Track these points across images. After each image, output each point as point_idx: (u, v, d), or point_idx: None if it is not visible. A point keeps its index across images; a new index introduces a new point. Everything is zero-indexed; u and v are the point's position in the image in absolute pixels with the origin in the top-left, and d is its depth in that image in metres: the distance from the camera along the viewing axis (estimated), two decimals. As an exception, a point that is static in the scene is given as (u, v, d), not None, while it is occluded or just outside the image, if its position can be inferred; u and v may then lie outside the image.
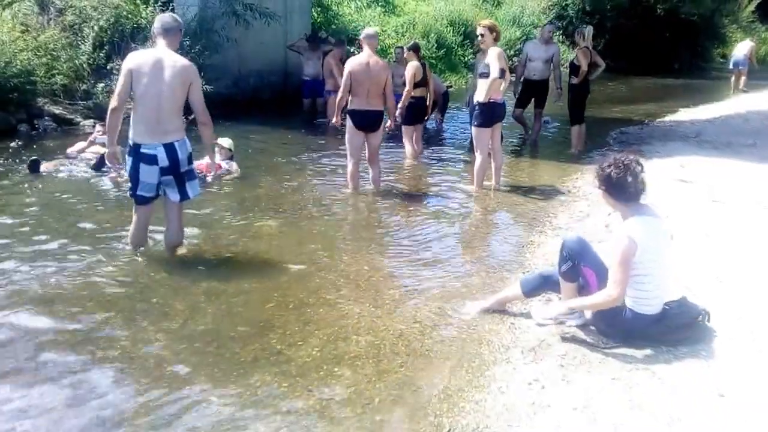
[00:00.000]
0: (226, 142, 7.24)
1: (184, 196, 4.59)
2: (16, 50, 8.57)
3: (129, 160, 4.45)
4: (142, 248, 4.75)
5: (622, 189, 3.42)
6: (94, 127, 8.89)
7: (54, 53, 9.48)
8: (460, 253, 5.19)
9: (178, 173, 4.48)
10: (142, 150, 4.37)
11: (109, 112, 4.40)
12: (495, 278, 4.58)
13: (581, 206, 6.36)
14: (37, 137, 8.55)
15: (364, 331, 3.78)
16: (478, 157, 6.75)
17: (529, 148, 9.52)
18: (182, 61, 4.43)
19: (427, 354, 3.55)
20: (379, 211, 6.20)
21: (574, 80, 8.65)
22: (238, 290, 4.28)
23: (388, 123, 6.68)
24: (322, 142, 9.17)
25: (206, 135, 4.60)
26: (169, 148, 4.38)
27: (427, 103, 8.47)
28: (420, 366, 3.42)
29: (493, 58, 6.37)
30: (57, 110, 9.16)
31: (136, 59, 4.38)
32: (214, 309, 4.00)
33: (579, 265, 3.61)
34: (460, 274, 4.70)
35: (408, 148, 8.23)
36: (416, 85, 7.91)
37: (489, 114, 6.56)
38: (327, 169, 7.68)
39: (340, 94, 6.41)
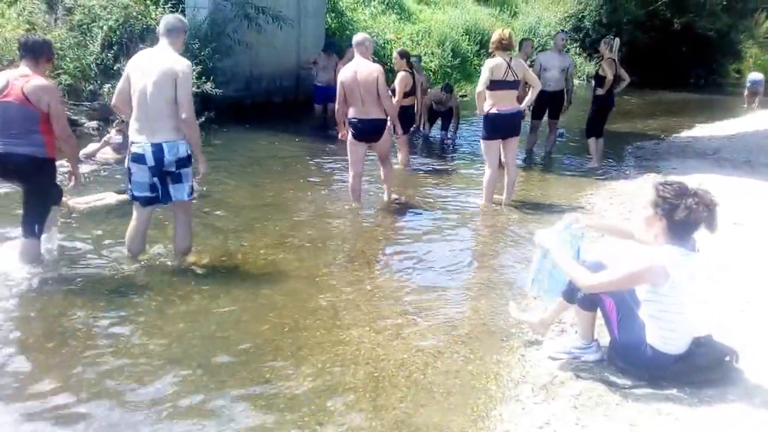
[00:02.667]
0: None
1: (166, 197, 4.44)
2: (19, 49, 8.36)
3: (127, 158, 4.43)
4: (138, 255, 4.59)
5: (689, 230, 3.09)
6: (97, 129, 8.74)
7: (60, 52, 9.25)
8: (467, 274, 4.91)
9: (163, 174, 4.34)
10: (133, 148, 4.32)
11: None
12: (504, 301, 4.29)
13: (597, 225, 6.06)
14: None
15: (363, 359, 3.51)
16: (487, 171, 6.52)
17: (542, 160, 9.24)
18: (172, 58, 4.28)
19: (430, 387, 3.27)
20: (384, 226, 5.94)
21: (600, 91, 8.42)
22: (231, 309, 4.03)
23: (398, 131, 6.40)
24: (331, 150, 8.90)
25: (188, 134, 4.33)
26: (157, 148, 4.26)
27: (416, 111, 8.54)
28: (421, 401, 3.15)
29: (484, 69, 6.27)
30: (62, 111, 8.95)
31: (134, 59, 4.42)
32: (203, 330, 3.75)
33: (596, 295, 3.32)
34: (468, 296, 4.45)
35: (401, 156, 8.02)
36: (405, 94, 7.88)
37: (492, 125, 6.36)
38: (333, 178, 7.44)
39: (336, 106, 6.20)
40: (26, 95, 4.11)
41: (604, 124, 8.71)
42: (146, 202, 4.47)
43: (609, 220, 3.77)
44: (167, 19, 4.49)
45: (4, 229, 4.94)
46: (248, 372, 3.32)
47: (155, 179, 4.36)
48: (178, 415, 2.94)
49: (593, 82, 8.96)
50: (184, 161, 4.38)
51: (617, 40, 8.49)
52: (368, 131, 6.09)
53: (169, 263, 4.60)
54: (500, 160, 6.63)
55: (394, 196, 6.54)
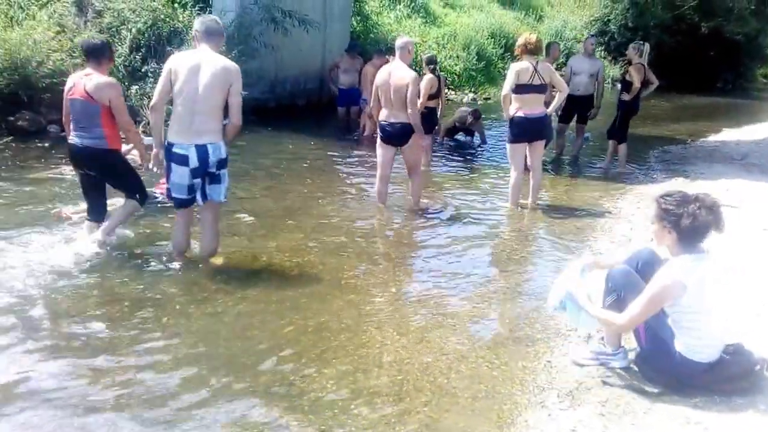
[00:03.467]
0: None
1: (204, 197, 4.48)
2: (49, 50, 8.49)
3: (164, 160, 4.42)
4: (183, 252, 4.63)
5: (699, 235, 3.07)
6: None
7: (89, 54, 9.43)
8: (492, 278, 4.88)
9: (205, 175, 4.39)
10: (174, 149, 4.31)
11: (149, 110, 4.50)
12: (529, 307, 4.27)
13: (623, 229, 5.99)
14: (66, 138, 8.44)
15: (387, 362, 3.50)
16: (513, 174, 6.51)
17: (568, 165, 9.16)
18: (223, 62, 4.34)
19: (454, 392, 3.25)
20: (408, 229, 5.93)
21: (626, 96, 8.34)
22: (256, 309, 4.04)
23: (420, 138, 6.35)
24: (354, 153, 8.94)
25: (231, 132, 4.45)
26: (201, 150, 4.30)
27: (438, 115, 8.59)
28: (445, 406, 3.13)
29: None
30: (88, 112, 9.08)
31: (176, 59, 4.37)
32: (227, 330, 3.77)
33: (625, 300, 3.28)
34: (493, 301, 4.41)
35: (423, 158, 8.03)
36: (430, 97, 7.99)
37: (518, 129, 6.36)
38: (357, 180, 7.44)
39: (371, 103, 6.20)
40: (88, 92, 4.49)
41: (627, 129, 8.64)
42: (182, 203, 4.49)
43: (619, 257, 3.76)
44: (207, 23, 4.43)
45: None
46: (272, 373, 3.33)
47: (196, 180, 4.38)
48: (200, 415, 2.95)
49: (619, 86, 8.87)
50: (224, 162, 4.43)
51: (647, 45, 8.41)
52: (396, 135, 6.09)
53: (195, 264, 4.62)
54: (526, 163, 6.59)
55: (422, 203, 6.48)
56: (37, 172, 6.75)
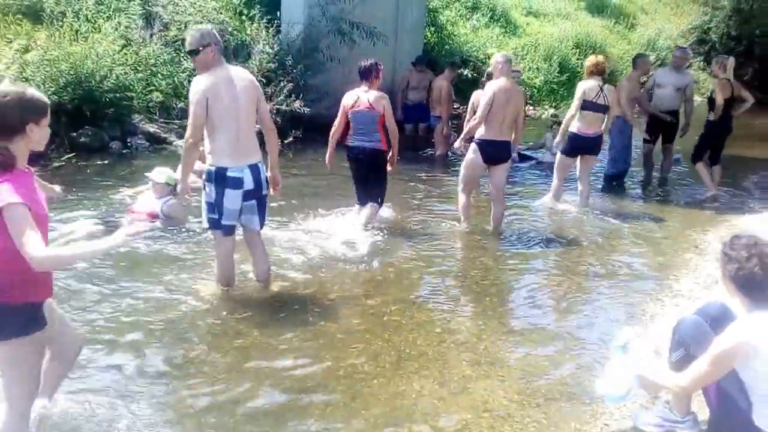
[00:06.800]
0: (161, 175, 5.56)
1: (263, 222, 4.35)
2: (113, 64, 8.09)
3: (211, 188, 4.12)
4: (232, 284, 4.40)
5: (762, 291, 2.57)
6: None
7: (154, 68, 8.98)
8: (552, 320, 4.40)
9: (261, 196, 4.24)
10: (229, 174, 4.07)
11: (186, 148, 4.10)
12: (589, 359, 3.78)
13: (710, 268, 5.33)
14: (129, 156, 7.98)
15: (420, 415, 3.16)
16: (554, 183, 7.00)
17: (656, 189, 8.42)
18: (244, 73, 4.21)
19: (494, 458, 2.85)
20: (465, 261, 5.52)
21: (711, 116, 7.59)
22: (289, 347, 3.78)
23: (514, 155, 6.07)
24: (421, 171, 8.48)
25: (273, 141, 4.37)
26: (254, 169, 4.16)
27: None
28: (482, 475, 2.74)
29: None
30: (152, 128, 8.62)
31: (205, 84, 3.96)
32: (255, 371, 3.50)
33: (693, 357, 2.78)
34: (549, 349, 3.93)
35: None
36: None
37: (572, 145, 6.85)
38: (423, 202, 7.06)
39: (478, 118, 5.78)
40: (371, 104, 5.61)
41: (721, 151, 7.87)
42: (231, 230, 4.27)
43: None
44: (217, 35, 4.13)
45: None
46: (296, 422, 3.07)
47: (246, 203, 4.17)
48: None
49: (707, 104, 8.08)
50: (267, 180, 4.31)
51: (732, 59, 7.56)
52: (497, 154, 5.82)
53: (222, 294, 4.36)
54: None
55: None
56: (96, 190, 6.49)
